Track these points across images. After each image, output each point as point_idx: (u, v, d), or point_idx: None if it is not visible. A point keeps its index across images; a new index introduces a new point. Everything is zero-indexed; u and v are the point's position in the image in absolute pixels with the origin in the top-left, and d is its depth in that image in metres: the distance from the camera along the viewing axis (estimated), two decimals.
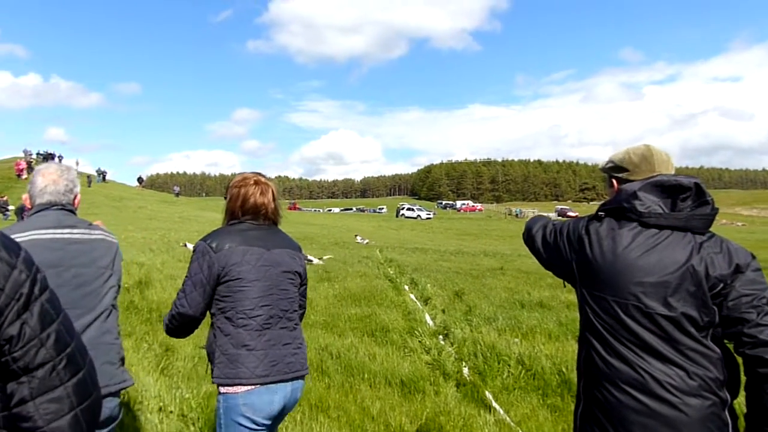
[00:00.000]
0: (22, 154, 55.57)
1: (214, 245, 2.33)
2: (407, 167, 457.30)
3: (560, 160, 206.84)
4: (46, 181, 2.32)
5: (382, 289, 10.20)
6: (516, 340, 6.48)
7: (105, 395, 2.11)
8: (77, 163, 61.99)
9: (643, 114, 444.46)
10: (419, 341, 6.55)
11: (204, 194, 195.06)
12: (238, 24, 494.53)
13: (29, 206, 2.37)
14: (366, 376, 5.09)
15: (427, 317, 8.01)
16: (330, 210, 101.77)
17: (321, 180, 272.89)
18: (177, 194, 67.08)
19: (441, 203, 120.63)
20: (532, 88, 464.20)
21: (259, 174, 2.57)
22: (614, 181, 2.00)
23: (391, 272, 13.87)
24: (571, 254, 1.95)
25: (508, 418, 4.20)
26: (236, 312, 2.28)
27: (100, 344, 2.18)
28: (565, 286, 2.14)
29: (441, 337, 6.91)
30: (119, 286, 2.39)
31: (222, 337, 2.29)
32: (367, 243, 26.41)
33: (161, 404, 3.93)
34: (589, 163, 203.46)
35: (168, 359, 5.30)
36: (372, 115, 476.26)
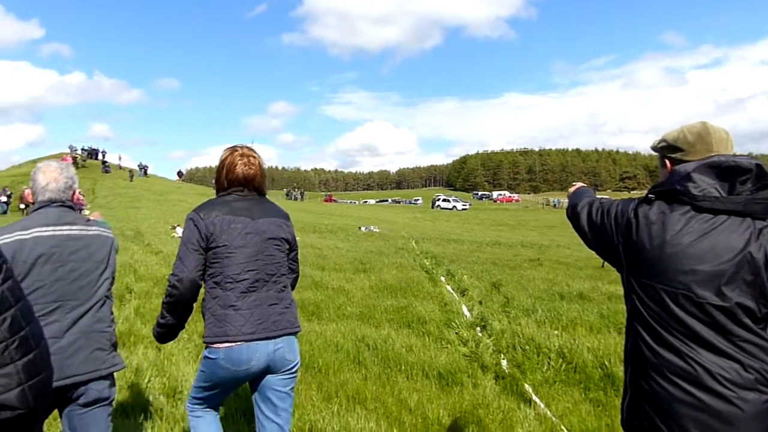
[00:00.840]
0: (68, 150, 57.35)
1: (202, 215, 2.50)
2: (442, 158, 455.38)
3: (599, 149, 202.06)
4: (48, 179, 2.47)
5: (418, 281, 10.13)
6: (556, 332, 6.34)
7: (94, 378, 2.38)
8: (120, 158, 63.89)
9: (686, 100, 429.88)
10: (456, 333, 6.47)
11: None
12: (273, 18, 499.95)
13: (32, 201, 2.52)
14: (403, 367, 5.04)
15: (464, 309, 7.91)
16: (365, 202, 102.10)
17: (356, 172, 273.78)
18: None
19: (477, 194, 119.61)
20: (569, 75, 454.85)
21: (247, 147, 2.70)
22: (667, 162, 1.88)
23: (428, 263, 13.79)
24: (618, 237, 1.85)
25: (549, 413, 4.10)
26: (224, 277, 2.45)
27: (93, 332, 2.41)
28: (603, 266, 2.04)
29: (478, 328, 6.81)
30: (113, 278, 2.58)
31: (211, 300, 2.48)
32: (373, 231, 26.89)
33: None
34: (630, 152, 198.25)
35: None
36: (406, 106, 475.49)
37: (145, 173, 60.88)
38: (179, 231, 19.98)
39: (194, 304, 2.55)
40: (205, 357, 2.48)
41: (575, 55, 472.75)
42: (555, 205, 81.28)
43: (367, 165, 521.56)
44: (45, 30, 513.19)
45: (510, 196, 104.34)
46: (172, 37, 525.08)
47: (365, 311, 7.47)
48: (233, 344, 2.38)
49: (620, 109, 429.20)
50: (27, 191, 2.46)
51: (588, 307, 7.90)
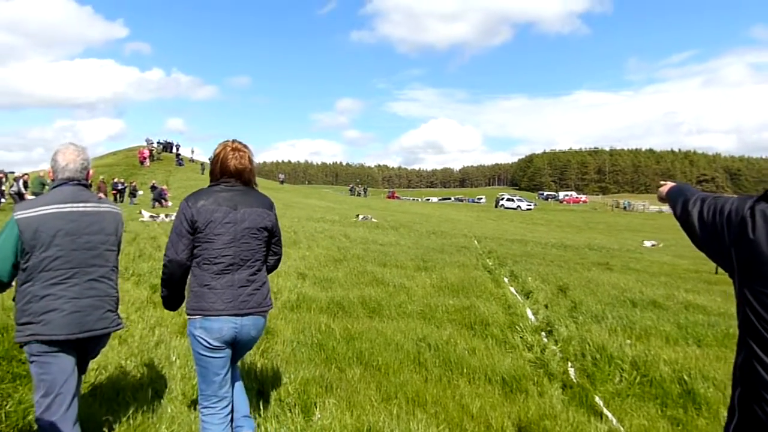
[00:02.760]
0: (144, 143, 60.12)
1: (190, 203, 2.83)
2: (507, 157, 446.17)
3: (675, 149, 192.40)
4: (67, 160, 2.81)
5: (480, 281, 9.89)
6: (628, 341, 5.98)
7: (105, 334, 2.85)
8: (192, 152, 66.30)
9: None
10: (520, 337, 6.22)
11: (307, 182, 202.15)
12: (342, 15, 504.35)
13: (52, 178, 2.85)
14: (465, 370, 4.87)
15: (529, 312, 7.63)
16: (428, 199, 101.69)
17: (419, 169, 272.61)
18: (282, 181, 69.88)
19: (542, 194, 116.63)
20: (645, 72, 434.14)
21: (238, 142, 2.97)
22: None
23: (490, 263, 13.48)
24: (730, 238, 1.62)
25: (622, 429, 3.82)
26: (203, 259, 2.81)
27: (106, 296, 2.83)
28: (717, 272, 1.79)
29: (544, 333, 6.53)
30: (119, 250, 2.96)
31: (192, 278, 2.85)
32: (369, 220, 27.39)
33: (260, 387, 3.96)
34: (709, 153, 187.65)
35: (268, 342, 5.37)
36: (472, 103, 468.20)
37: None
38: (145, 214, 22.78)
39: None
40: (189, 333, 2.87)
41: (652, 51, 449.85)
42: (625, 207, 78.14)
43: (430, 162, 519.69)
44: (129, 29, 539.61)
45: (577, 197, 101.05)
46: (245, 35, 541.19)
47: (426, 310, 7.32)
48: (209, 317, 2.76)
49: (699, 108, 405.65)
50: (48, 170, 2.94)
51: (663, 315, 7.45)
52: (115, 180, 32.34)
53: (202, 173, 53.86)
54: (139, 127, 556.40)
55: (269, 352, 5.08)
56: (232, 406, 3.00)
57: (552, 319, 6.98)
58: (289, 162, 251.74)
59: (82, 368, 2.89)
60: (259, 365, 4.49)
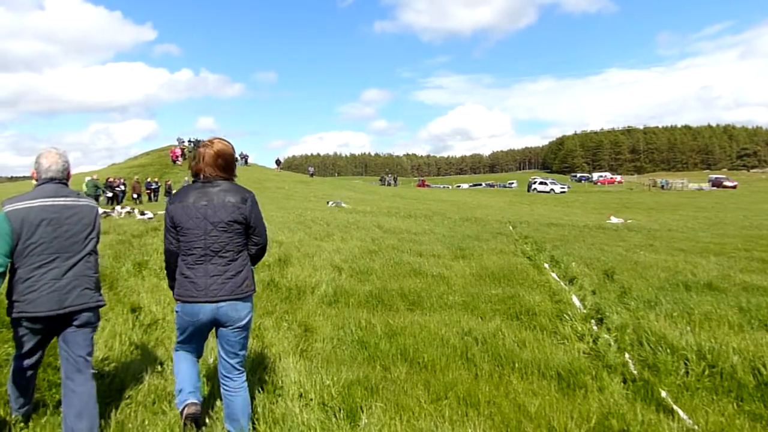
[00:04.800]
0: (176, 143, 60.85)
1: (171, 201, 3.21)
2: (537, 140, 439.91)
3: (713, 125, 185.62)
4: (50, 162, 3.25)
5: (521, 268, 9.53)
6: (688, 328, 5.59)
7: (84, 309, 3.20)
8: None
9: None
10: (570, 326, 5.89)
11: (336, 174, 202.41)
12: (365, 6, 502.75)
13: (36, 178, 3.27)
14: (516, 365, 4.57)
15: (575, 299, 7.26)
16: (459, 186, 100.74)
17: (449, 156, 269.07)
18: (311, 174, 70.05)
19: (575, 176, 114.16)
20: (677, 46, 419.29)
21: (218, 139, 3.20)
22: None
23: (528, 249, 13.07)
24: None
25: (697, 428, 3.48)
26: (182, 250, 3.15)
27: (83, 276, 3.21)
28: None
29: (593, 322, 6.18)
30: (98, 238, 3.34)
31: (177, 267, 3.19)
32: (340, 205, 27.50)
33: (301, 390, 3.74)
34: (749, 126, 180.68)
35: (307, 340, 5.17)
36: (500, 88, 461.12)
37: (246, 162, 63.43)
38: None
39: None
40: (175, 309, 3.23)
41: (684, 24, 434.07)
42: (663, 186, 75.94)
43: (459, 149, 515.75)
44: (157, 32, 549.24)
45: (612, 178, 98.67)
46: (270, 31, 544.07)
47: (468, 300, 7.03)
48: (186, 303, 3.10)
49: (737, 81, 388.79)
50: (33, 171, 3.38)
51: (722, 299, 6.99)
52: (149, 180, 32.74)
53: None
54: (171, 127, 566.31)
55: (309, 351, 4.87)
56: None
57: (601, 306, 6.60)
58: (318, 155, 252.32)
59: (77, 343, 3.22)
60: (299, 366, 4.26)
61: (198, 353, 3.41)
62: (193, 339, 3.27)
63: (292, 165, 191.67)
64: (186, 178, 37.64)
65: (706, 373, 4.36)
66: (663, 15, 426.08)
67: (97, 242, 3.33)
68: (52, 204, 3.14)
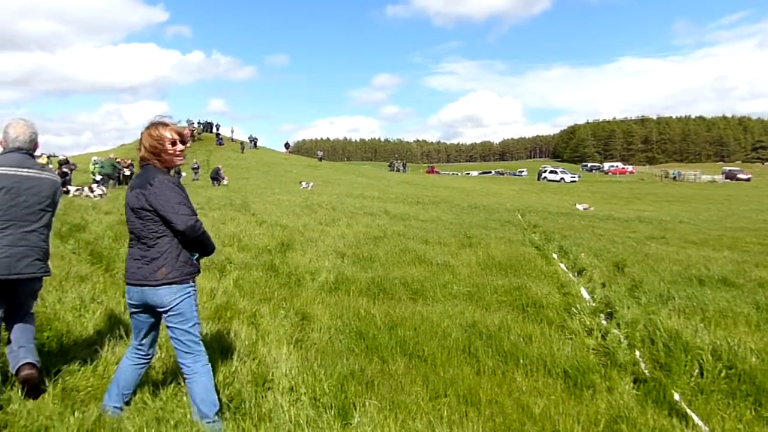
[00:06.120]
0: (185, 124, 60.77)
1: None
2: (549, 128, 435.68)
3: (728, 116, 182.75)
4: (17, 132, 3.35)
5: (529, 258, 9.29)
6: (701, 325, 5.34)
7: (32, 278, 3.38)
8: (232, 131, 66.90)
9: None
10: (579, 320, 5.66)
11: (345, 158, 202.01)
12: None
13: (3, 147, 3.37)
14: (521, 361, 4.35)
15: (584, 291, 7.02)
16: (468, 173, 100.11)
17: (459, 143, 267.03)
18: (320, 159, 69.76)
19: (586, 165, 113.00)
20: (694, 36, 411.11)
21: (157, 121, 3.12)
22: None
23: (536, 239, 12.80)
24: None
25: None
26: None
27: (36, 247, 3.35)
28: None
29: (603, 316, 5.94)
30: (54, 212, 3.49)
31: None
32: (310, 186, 28.16)
33: (293, 384, 3.53)
34: (765, 118, 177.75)
35: (303, 329, 4.97)
36: (512, 75, 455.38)
37: (255, 145, 63.29)
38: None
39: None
40: None
41: (701, 13, 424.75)
42: (675, 177, 75.01)
43: (469, 136, 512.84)
44: (169, 13, 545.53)
45: (623, 168, 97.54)
46: (282, 14, 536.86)
47: (473, 291, 6.80)
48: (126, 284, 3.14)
49: (753, 71, 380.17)
50: (1, 140, 3.49)
51: (737, 295, 6.72)
52: None
53: (242, 152, 54.21)
54: (182, 109, 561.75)
55: (305, 341, 4.67)
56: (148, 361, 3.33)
57: (611, 300, 6.36)
58: (328, 139, 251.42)
59: (19, 310, 3.43)
60: (293, 357, 4.06)
61: (144, 349, 3.27)
62: (136, 327, 3.23)
63: (302, 149, 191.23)
64: (195, 160, 37.54)
65: (723, 374, 4.11)
66: (680, 3, 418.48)
67: (53, 215, 3.48)
68: (14, 173, 3.25)
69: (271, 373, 3.68)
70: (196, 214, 3.10)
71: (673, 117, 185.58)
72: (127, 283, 3.10)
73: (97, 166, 24.72)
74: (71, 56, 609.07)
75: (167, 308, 3.07)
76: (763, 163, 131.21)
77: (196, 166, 35.87)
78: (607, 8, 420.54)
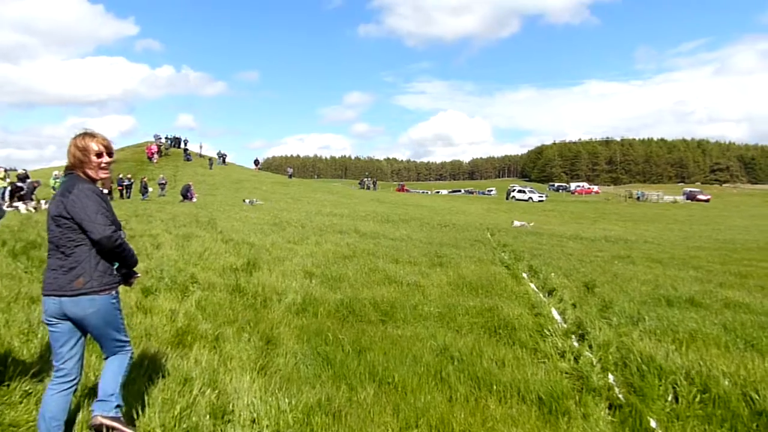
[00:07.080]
0: (153, 139, 59.69)
1: None
2: (517, 148, 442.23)
3: (687, 139, 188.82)
4: None
5: (500, 278, 9.22)
6: (672, 347, 5.30)
7: None
8: (201, 147, 66.13)
9: None
10: (551, 342, 5.56)
11: (316, 176, 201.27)
12: (350, 9, 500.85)
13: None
14: (494, 387, 4.20)
15: (555, 312, 6.95)
16: (438, 192, 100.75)
17: (429, 162, 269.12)
18: (290, 176, 69.33)
19: (553, 185, 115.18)
20: (655, 61, 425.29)
21: (83, 133, 3.07)
22: None
23: (506, 258, 12.79)
24: None
25: None
26: None
27: None
28: None
29: (574, 337, 5.87)
30: None
31: None
32: (255, 203, 28.54)
33: (254, 416, 3.31)
34: (722, 141, 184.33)
35: (268, 355, 4.73)
36: (481, 95, 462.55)
37: (224, 161, 62.52)
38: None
39: None
40: None
41: (662, 40, 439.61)
42: (639, 197, 76.81)
43: (439, 155, 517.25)
44: (139, 27, 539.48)
45: (589, 188, 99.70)
46: (254, 30, 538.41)
47: (444, 312, 6.66)
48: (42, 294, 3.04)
49: (711, 97, 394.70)
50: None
51: (706, 316, 6.75)
52: (121, 176, 31.81)
53: (211, 168, 53.42)
54: (150, 123, 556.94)
55: (269, 368, 4.43)
56: (80, 384, 3.18)
57: (583, 321, 6.30)
58: (298, 156, 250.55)
59: None
60: (256, 386, 3.84)
61: (66, 369, 3.07)
62: (58, 346, 3.05)
63: (272, 166, 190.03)
64: (162, 175, 36.83)
65: (697, 399, 4.05)
66: (642, 30, 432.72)
67: None
68: None
69: (231, 404, 3.45)
70: (120, 226, 3.10)
71: (636, 139, 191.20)
72: (44, 294, 2.99)
73: (57, 180, 23.94)
74: (37, 68, 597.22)
75: (90, 320, 2.99)
76: (721, 185, 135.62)
77: (163, 181, 35.18)
78: (573, 33, 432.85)
